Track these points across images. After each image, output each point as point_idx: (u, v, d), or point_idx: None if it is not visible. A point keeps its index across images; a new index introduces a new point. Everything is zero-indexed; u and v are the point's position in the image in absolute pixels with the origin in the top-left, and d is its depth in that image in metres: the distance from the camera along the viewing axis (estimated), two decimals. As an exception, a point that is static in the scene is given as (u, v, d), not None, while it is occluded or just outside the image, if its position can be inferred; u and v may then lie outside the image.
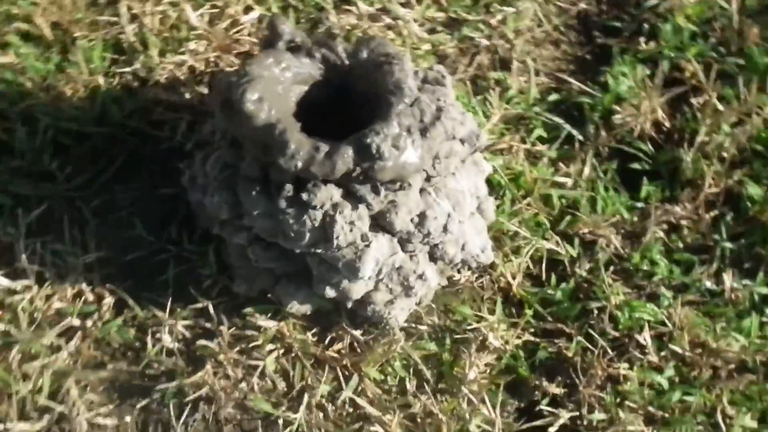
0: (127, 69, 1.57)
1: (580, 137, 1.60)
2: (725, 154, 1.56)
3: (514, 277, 1.48)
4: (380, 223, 1.30)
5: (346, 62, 1.34)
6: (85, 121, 1.53)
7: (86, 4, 1.65)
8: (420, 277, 1.35)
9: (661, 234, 1.52)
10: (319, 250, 1.29)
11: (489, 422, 1.36)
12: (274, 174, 1.27)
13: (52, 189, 1.49)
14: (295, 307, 1.39)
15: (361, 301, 1.37)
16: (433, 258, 1.38)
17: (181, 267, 1.45)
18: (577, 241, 1.51)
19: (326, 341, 1.41)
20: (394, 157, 1.23)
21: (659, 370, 1.41)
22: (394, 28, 1.66)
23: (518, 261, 1.48)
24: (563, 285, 1.48)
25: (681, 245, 1.52)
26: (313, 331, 1.42)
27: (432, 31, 1.67)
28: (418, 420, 1.36)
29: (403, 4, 1.68)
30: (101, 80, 1.56)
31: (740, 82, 1.61)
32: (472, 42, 1.67)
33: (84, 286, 1.42)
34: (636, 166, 1.58)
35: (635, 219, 1.53)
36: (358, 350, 1.40)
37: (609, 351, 1.41)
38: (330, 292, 1.34)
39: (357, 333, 1.41)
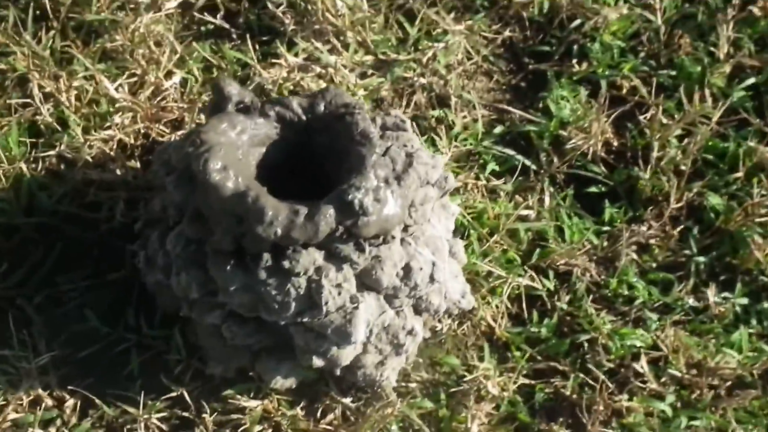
0: (51, 152, 1.45)
1: (534, 167, 1.56)
2: (683, 167, 1.54)
3: (495, 320, 1.41)
4: (365, 282, 1.23)
5: (303, 118, 1.26)
6: (11, 213, 1.41)
7: (-9, 87, 1.52)
8: (410, 332, 1.28)
9: (634, 255, 1.48)
10: (305, 319, 1.20)
11: (500, 475, 1.29)
12: (249, 244, 1.17)
13: (-12, 290, 1.36)
14: (279, 383, 1.29)
15: (350, 366, 1.28)
16: (417, 311, 1.31)
17: (146, 355, 1.34)
18: (551, 273, 1.47)
19: (317, 414, 1.31)
20: (377, 211, 1.16)
21: (660, 396, 1.37)
22: (325, 77, 1.58)
23: (496, 302, 1.42)
24: (546, 321, 1.42)
25: (654, 265, 1.49)
26: (301, 404, 1.32)
27: (363, 76, 1.61)
28: (428, 485, 1.28)
29: (330, 51, 1.60)
30: (24, 167, 1.43)
31: (681, 93, 1.59)
32: (406, 82, 1.61)
33: (41, 391, 1.30)
34: (594, 189, 1.55)
35: (605, 244, 1.49)
36: (352, 419, 1.31)
37: (608, 384, 1.36)
38: (318, 362, 1.26)
39: (347, 401, 1.32)
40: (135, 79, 1.54)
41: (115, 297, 1.38)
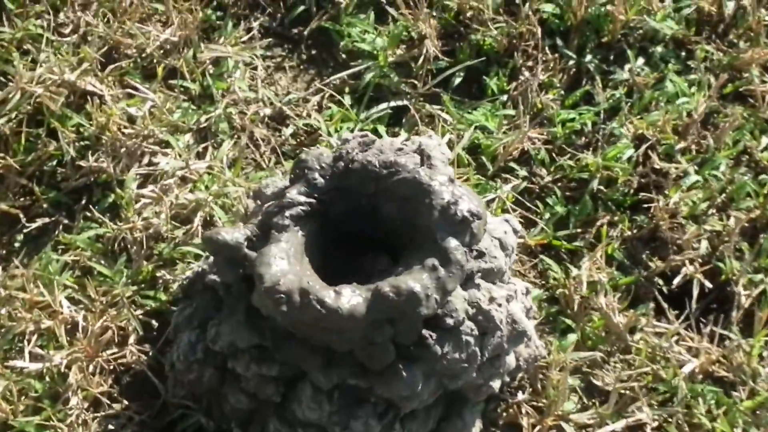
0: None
1: (405, 102, 1.50)
2: (500, 11, 1.56)
3: (522, 237, 1.37)
4: (489, 280, 1.14)
5: (312, 200, 1.11)
6: None
7: None
8: (527, 294, 1.22)
9: (547, 97, 1.50)
10: (487, 353, 1.10)
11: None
12: (406, 336, 1.04)
13: None
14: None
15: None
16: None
17: None
18: (513, 164, 1.45)
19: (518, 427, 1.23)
20: (480, 208, 1.08)
21: (686, 172, 1.42)
22: (186, 180, 1.40)
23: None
24: (552, 200, 1.42)
25: (563, 92, 1.52)
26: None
27: (202, 155, 1.44)
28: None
29: (159, 156, 1.42)
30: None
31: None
32: (236, 129, 1.47)
33: None
34: (460, 80, 1.53)
35: (520, 108, 1.48)
36: (540, 403, 1.24)
37: (649, 195, 1.39)
38: (497, 385, 1.16)
39: (521, 396, 1.24)
40: (35, 337, 1.26)
41: None
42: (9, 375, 1.23)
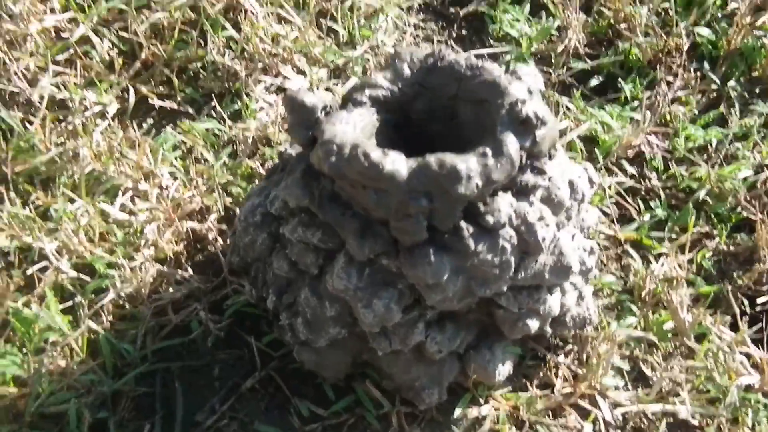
0: (110, 295, 1.23)
1: (537, 87, 1.52)
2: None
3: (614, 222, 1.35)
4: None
5: (395, 89, 1.14)
6: (102, 381, 1.18)
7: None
8: (591, 252, 1.20)
9: (680, 109, 1.48)
10: (522, 274, 1.09)
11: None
12: (443, 219, 1.04)
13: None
14: (502, 372, 1.17)
15: (558, 317, 1.18)
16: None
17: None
18: (625, 163, 1.44)
19: (546, 387, 1.19)
20: (549, 116, 1.08)
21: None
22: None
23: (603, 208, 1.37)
24: (655, 203, 1.40)
25: (695, 104, 1.49)
26: (527, 388, 1.20)
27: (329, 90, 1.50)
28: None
29: (284, 81, 1.49)
30: (91, 324, 1.21)
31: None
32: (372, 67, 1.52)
33: None
34: (596, 81, 1.53)
35: (647, 115, 1.47)
36: (579, 372, 1.20)
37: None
38: (534, 324, 1.14)
39: (562, 359, 1.21)
40: (130, 193, 1.34)
41: (268, 398, 1.19)
42: (95, 217, 1.31)
